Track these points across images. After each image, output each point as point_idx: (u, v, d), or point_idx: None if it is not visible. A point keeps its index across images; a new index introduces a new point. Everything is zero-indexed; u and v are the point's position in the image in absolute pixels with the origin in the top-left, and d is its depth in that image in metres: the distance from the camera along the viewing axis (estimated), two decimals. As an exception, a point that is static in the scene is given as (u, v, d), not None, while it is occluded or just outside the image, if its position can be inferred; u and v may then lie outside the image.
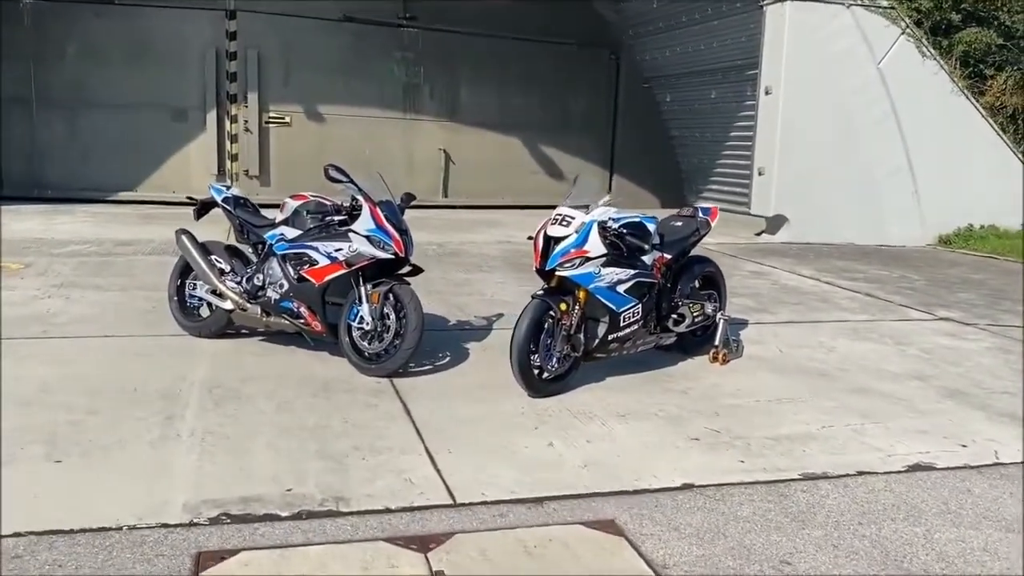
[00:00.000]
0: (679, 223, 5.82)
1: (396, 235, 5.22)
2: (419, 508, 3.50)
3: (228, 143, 14.78)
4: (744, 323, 7.04)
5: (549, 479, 3.86)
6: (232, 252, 5.94)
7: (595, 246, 4.89)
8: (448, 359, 5.70)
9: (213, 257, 5.83)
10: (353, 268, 5.21)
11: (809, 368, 5.90)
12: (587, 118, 17.39)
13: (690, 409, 4.91)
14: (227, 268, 5.80)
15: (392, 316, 5.23)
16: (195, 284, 5.94)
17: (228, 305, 5.71)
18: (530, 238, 5.43)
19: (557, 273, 4.90)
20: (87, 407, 4.47)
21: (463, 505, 3.55)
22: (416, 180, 16.05)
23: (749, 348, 6.23)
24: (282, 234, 5.53)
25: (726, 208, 15.96)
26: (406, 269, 5.44)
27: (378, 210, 5.25)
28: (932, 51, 12.82)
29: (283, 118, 15.12)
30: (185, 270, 6.05)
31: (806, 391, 5.36)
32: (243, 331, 5.98)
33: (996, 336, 7.08)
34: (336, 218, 5.35)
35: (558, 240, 4.91)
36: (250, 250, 5.86)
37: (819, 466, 4.14)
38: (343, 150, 15.42)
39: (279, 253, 5.48)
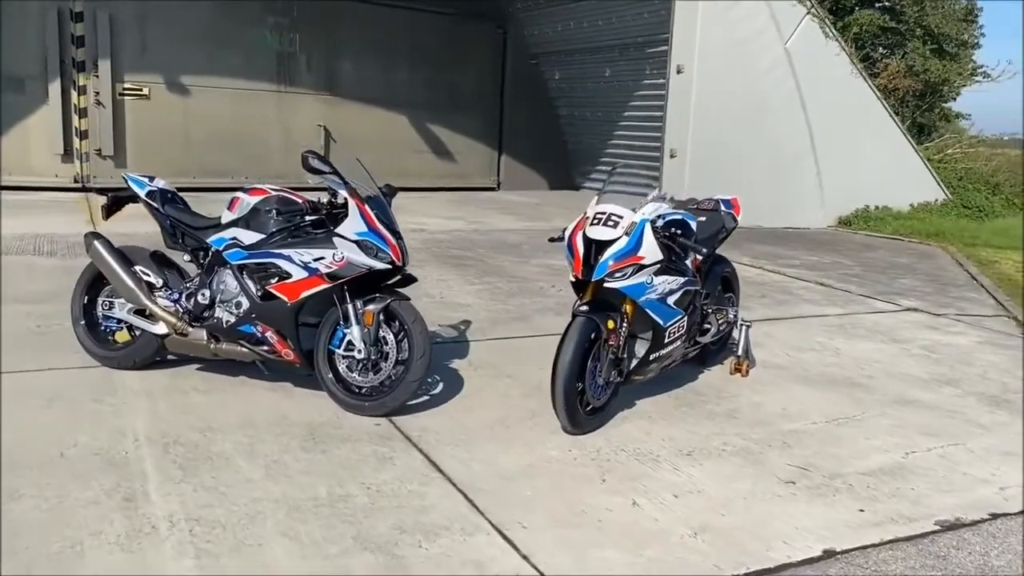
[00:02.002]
0: (703, 218, 5.09)
1: (391, 239, 4.20)
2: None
3: (76, 118, 12.78)
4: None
5: (666, 559, 3.05)
6: (161, 261, 4.69)
7: (651, 251, 4.07)
8: (441, 385, 4.75)
9: (138, 269, 4.57)
10: (338, 282, 4.15)
11: (833, 376, 5.36)
12: (475, 94, 16.45)
13: (754, 439, 4.22)
14: (157, 282, 4.57)
15: (391, 340, 4.21)
16: (111, 303, 4.66)
17: (161, 329, 4.49)
18: (552, 239, 4.56)
19: (606, 285, 4.04)
20: (5, 487, 3.23)
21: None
22: (293, 159, 14.47)
23: (753, 352, 5.62)
24: (234, 238, 4.37)
25: (625, 191, 15.59)
26: (393, 279, 4.41)
27: (368, 208, 4.20)
28: (834, 32, 12.77)
29: (140, 90, 13.25)
30: (94, 284, 4.75)
31: (851, 406, 4.80)
32: (170, 358, 4.76)
33: (976, 328, 6.85)
34: (308, 218, 4.26)
35: (604, 244, 4.05)
36: (187, 258, 4.63)
37: (945, 510, 3.55)
38: (210, 126, 13.86)
39: (234, 263, 4.32)
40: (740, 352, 5.17)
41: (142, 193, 4.60)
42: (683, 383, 5.01)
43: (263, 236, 4.30)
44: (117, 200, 4.78)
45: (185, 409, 4.19)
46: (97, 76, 12.78)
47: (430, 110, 16.01)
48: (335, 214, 4.24)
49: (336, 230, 4.15)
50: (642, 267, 4.04)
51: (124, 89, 13.12)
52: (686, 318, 4.41)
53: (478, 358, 5.31)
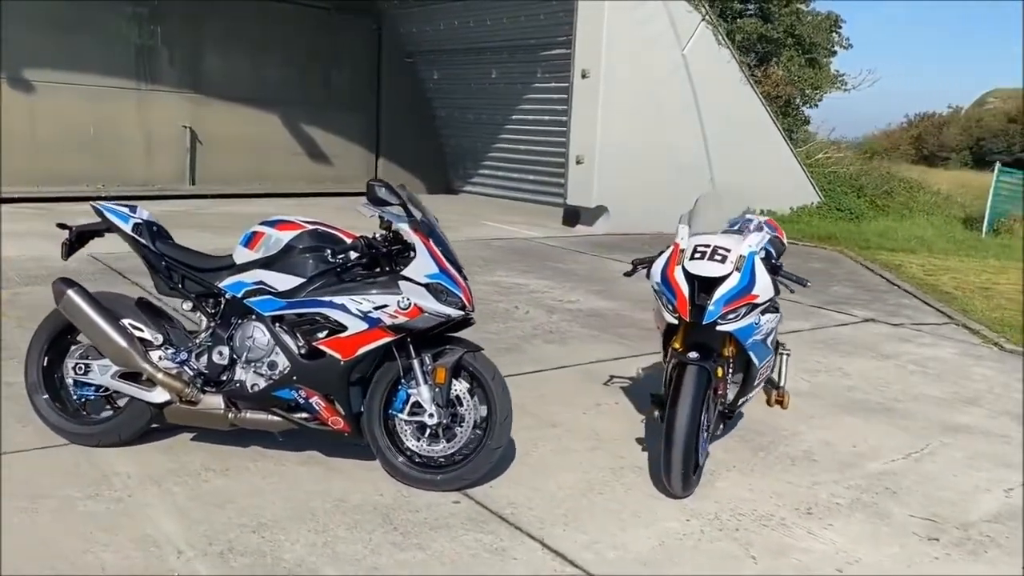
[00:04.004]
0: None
1: (461, 280, 3.54)
2: None
3: None
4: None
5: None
6: (150, 310, 3.77)
7: (765, 289, 3.65)
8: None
9: (126, 323, 3.64)
10: (402, 334, 3.46)
11: (864, 402, 5.19)
12: (351, 94, 15.57)
13: (855, 487, 3.91)
14: (155, 339, 3.66)
15: (468, 401, 3.55)
16: (86, 365, 3.70)
17: (159, 397, 3.61)
18: (627, 274, 4.06)
19: (719, 328, 3.58)
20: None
21: None
22: (156, 164, 13.32)
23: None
24: (260, 283, 3.56)
25: (521, 198, 15.22)
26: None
27: (433, 244, 3.52)
28: (726, 39, 12.94)
29: (-25, 85, 11.48)
30: (56, 342, 3.77)
31: (909, 437, 4.63)
32: (155, 428, 3.86)
33: (942, 339, 6.97)
34: (352, 255, 3.53)
35: (711, 281, 3.59)
36: (186, 307, 3.74)
37: (1097, 559, 3.36)
38: (61, 127, 12.29)
39: (269, 314, 3.51)
40: (783, 383, 4.86)
41: (127, 227, 3.68)
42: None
43: (301, 280, 3.52)
44: (83, 235, 3.81)
45: (215, 500, 3.36)
46: (-79, 68, 10.93)
47: (304, 110, 14.99)
48: (394, 251, 3.54)
49: (403, 272, 3.44)
50: (754, 306, 3.62)
51: (-45, 84, 11.31)
52: (772, 356, 4.04)
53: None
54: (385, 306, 3.41)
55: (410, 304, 3.40)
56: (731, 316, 3.57)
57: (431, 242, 3.51)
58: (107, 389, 3.72)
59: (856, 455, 4.30)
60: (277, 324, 3.53)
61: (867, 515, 3.63)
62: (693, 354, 3.57)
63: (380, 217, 3.57)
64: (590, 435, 4.34)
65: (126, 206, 3.79)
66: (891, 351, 6.47)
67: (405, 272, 3.44)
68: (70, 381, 3.73)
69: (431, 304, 3.41)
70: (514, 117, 14.96)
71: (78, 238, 3.81)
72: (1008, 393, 5.53)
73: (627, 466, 3.97)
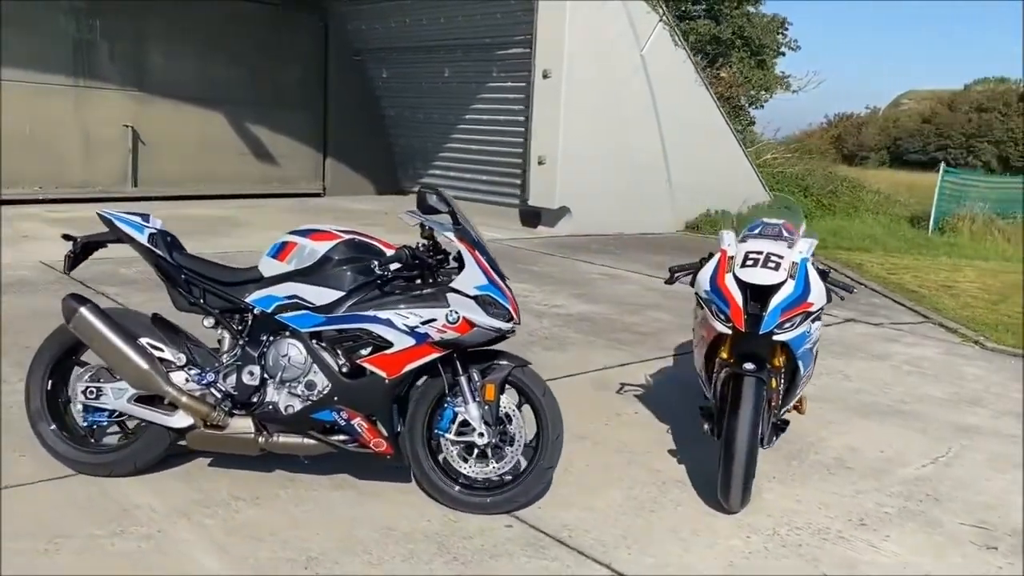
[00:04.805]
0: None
1: (508, 291, 3.37)
2: None
3: None
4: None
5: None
6: (166, 328, 3.48)
7: (819, 296, 3.57)
8: (522, 458, 3.95)
9: (144, 342, 3.35)
10: (449, 350, 3.27)
11: (874, 405, 5.20)
12: (298, 92, 15.09)
13: (897, 494, 3.89)
14: (177, 359, 3.38)
15: (517, 418, 3.38)
16: (97, 389, 3.39)
17: (181, 421, 3.33)
18: (668, 282, 3.95)
19: (776, 338, 3.48)
20: None
21: None
22: (96, 165, 12.72)
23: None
24: (294, 297, 3.32)
25: (473, 199, 15.00)
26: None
27: (479, 254, 3.34)
28: (682, 40, 12.99)
29: (-101, 81, 10.73)
30: (60, 365, 3.46)
31: (929, 441, 4.64)
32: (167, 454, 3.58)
33: (924, 338, 7.07)
34: (392, 267, 3.31)
35: (763, 290, 3.49)
36: (207, 324, 3.46)
37: None
38: (-7, 127, 11.52)
39: (307, 330, 3.28)
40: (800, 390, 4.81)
41: (142, 238, 3.38)
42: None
43: (339, 293, 3.29)
44: (88, 246, 3.50)
45: (253, 532, 3.11)
46: None
47: (250, 109, 14.49)
48: (436, 260, 3.35)
49: (452, 284, 3.25)
50: (808, 315, 3.53)
51: None
52: (814, 365, 3.97)
53: (525, 416, 4.54)
54: (433, 320, 3.21)
55: (459, 318, 3.21)
56: (787, 325, 3.48)
57: (477, 252, 3.33)
58: (120, 414, 3.42)
59: (886, 461, 4.28)
60: (314, 341, 3.30)
61: (918, 524, 3.59)
62: (750, 365, 3.46)
63: (421, 225, 3.38)
64: (620, 448, 4.21)
65: (137, 214, 3.49)
66: (881, 351, 6.52)
67: (454, 284, 3.25)
68: (79, 407, 3.42)
69: (482, 318, 3.23)
70: (468, 117, 14.73)
71: (84, 249, 3.49)
72: (1007, 393, 5.61)
73: (668, 480, 3.86)
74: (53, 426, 3.41)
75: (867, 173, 26.35)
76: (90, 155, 12.63)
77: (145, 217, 3.49)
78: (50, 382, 3.46)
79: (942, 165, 15.29)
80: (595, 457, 4.09)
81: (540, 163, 12.02)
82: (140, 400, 3.36)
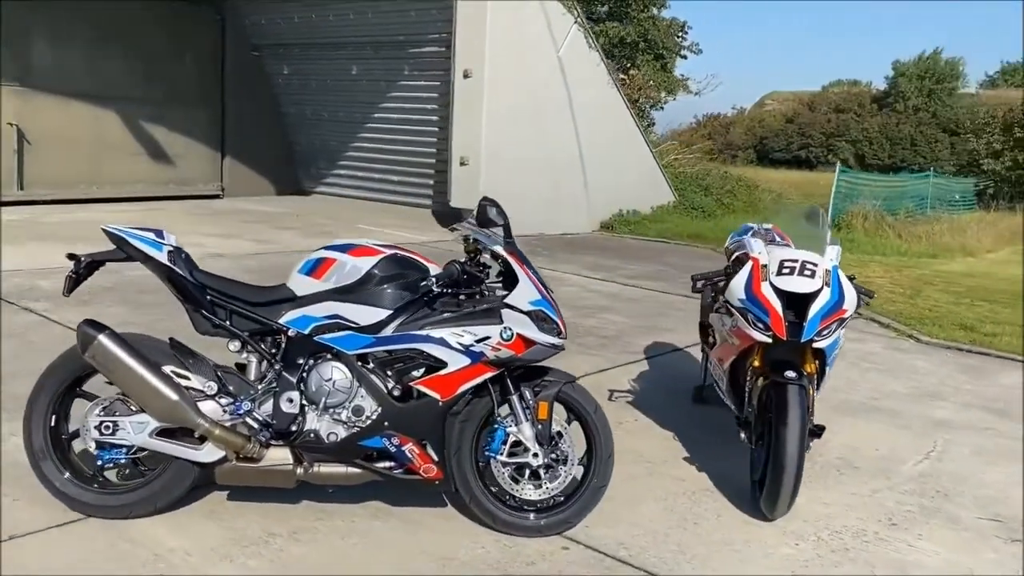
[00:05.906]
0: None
1: (557, 306, 3.27)
2: None
3: None
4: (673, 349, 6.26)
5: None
6: (187, 354, 3.19)
7: (852, 303, 3.62)
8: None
9: (168, 370, 3.06)
10: (501, 369, 3.14)
11: (849, 403, 5.38)
12: (193, 89, 14.41)
13: (910, 492, 4.02)
14: (206, 387, 3.09)
15: (568, 436, 3.29)
16: (114, 424, 3.07)
17: (212, 455, 3.07)
18: (695, 290, 3.92)
19: (815, 345, 3.51)
20: None
21: None
22: (-23, 167, 11.65)
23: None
24: (336, 316, 3.10)
25: (381, 199, 14.68)
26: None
27: (527, 268, 3.23)
28: (595, 43, 13.12)
29: None
30: (65, 399, 3.13)
31: (914, 437, 4.83)
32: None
33: (864, 334, 7.35)
34: (434, 285, 3.16)
35: (799, 298, 3.51)
36: (233, 347, 3.19)
37: None
38: None
39: (353, 352, 3.07)
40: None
41: (161, 257, 3.08)
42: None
43: (386, 312, 3.10)
44: (92, 265, 3.17)
45: (305, 570, 2.90)
46: None
47: (144, 106, 13.72)
48: (482, 273, 3.22)
49: (507, 299, 3.12)
50: (842, 321, 3.59)
51: None
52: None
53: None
54: (487, 338, 3.08)
55: (512, 335, 3.09)
56: (825, 332, 3.52)
57: (525, 266, 3.21)
58: (140, 450, 3.11)
59: (884, 459, 4.41)
60: (370, 364, 3.09)
61: (941, 521, 3.72)
62: (791, 373, 3.49)
63: (465, 238, 3.24)
64: (637, 458, 4.18)
65: (150, 230, 3.18)
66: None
67: (509, 299, 3.13)
68: (91, 444, 3.08)
69: (537, 334, 3.12)
70: (377, 116, 14.43)
71: (88, 268, 3.15)
72: (961, 386, 5.89)
73: (696, 490, 3.85)
74: (55, 458, 3.07)
75: (746, 171, 27.43)
76: (-31, 155, 11.63)
77: (159, 233, 3.19)
78: (53, 416, 3.11)
79: (838, 165, 16.09)
80: (616, 468, 4.01)
81: (462, 163, 11.89)
82: (162, 434, 3.07)
